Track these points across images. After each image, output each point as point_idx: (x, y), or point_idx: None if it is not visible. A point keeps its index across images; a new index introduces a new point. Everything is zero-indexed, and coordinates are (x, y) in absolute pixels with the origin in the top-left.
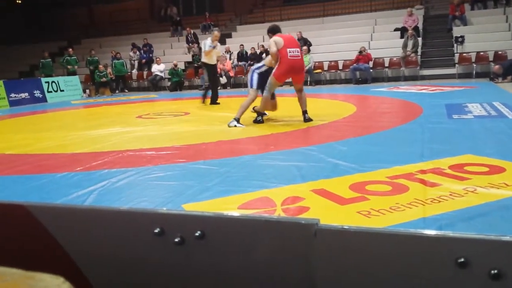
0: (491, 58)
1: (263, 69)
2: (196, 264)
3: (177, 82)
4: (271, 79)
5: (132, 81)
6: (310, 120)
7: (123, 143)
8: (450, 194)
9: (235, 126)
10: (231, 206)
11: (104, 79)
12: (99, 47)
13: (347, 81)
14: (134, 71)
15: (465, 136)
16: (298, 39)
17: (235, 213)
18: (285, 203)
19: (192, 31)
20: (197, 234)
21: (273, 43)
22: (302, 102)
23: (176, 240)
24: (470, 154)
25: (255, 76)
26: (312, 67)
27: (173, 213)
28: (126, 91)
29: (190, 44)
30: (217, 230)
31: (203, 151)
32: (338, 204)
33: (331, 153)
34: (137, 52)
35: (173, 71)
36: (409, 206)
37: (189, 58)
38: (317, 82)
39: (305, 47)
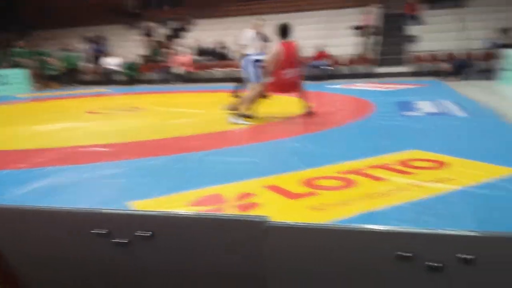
0: (442, 57)
1: (261, 63)
2: (146, 265)
3: (132, 76)
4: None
5: (84, 75)
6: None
7: (72, 139)
8: (397, 188)
9: (240, 123)
10: (182, 203)
11: (54, 72)
12: (52, 39)
13: (305, 77)
14: (87, 64)
15: (414, 132)
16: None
17: (186, 211)
18: (237, 199)
19: (149, 25)
20: (146, 234)
21: (273, 54)
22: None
23: (124, 241)
24: (417, 149)
25: (252, 69)
26: None
27: (120, 213)
28: (77, 84)
29: (146, 37)
30: (166, 230)
31: (155, 147)
32: (290, 199)
33: (283, 149)
34: (91, 45)
35: (128, 65)
36: (358, 200)
37: (145, 52)
38: None
39: (264, 43)
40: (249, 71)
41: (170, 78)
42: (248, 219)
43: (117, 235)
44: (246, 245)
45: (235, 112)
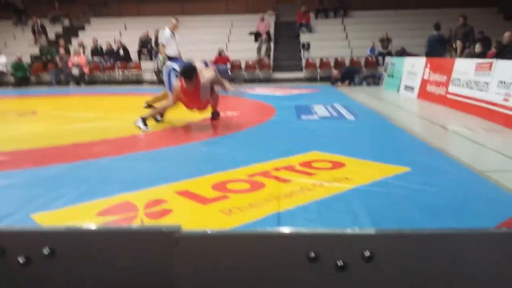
0: (332, 64)
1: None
2: (48, 284)
3: (22, 77)
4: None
5: None
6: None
7: None
8: (301, 189)
9: (140, 128)
10: (89, 214)
11: None
12: None
13: None
14: None
15: (312, 135)
16: (157, 37)
17: (92, 225)
18: (147, 206)
19: (39, 21)
20: (45, 252)
21: (174, 93)
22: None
23: (21, 260)
24: (316, 151)
25: (167, 78)
26: None
27: (14, 230)
28: None
29: (37, 35)
30: (69, 246)
31: (54, 154)
32: (201, 204)
33: (193, 153)
34: None
35: (17, 65)
36: (266, 202)
37: (36, 51)
38: None
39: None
40: (165, 79)
41: (66, 79)
42: (158, 229)
43: (13, 253)
44: (156, 256)
45: (143, 116)
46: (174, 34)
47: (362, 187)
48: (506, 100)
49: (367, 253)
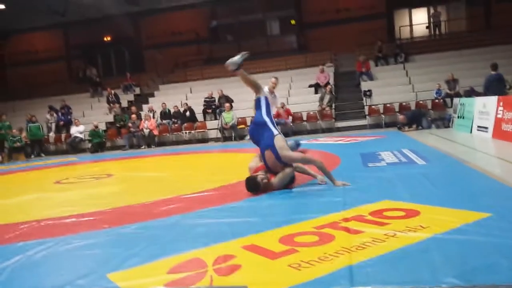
0: (396, 109)
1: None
2: None
3: (98, 143)
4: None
5: (49, 145)
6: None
7: (40, 212)
8: (373, 240)
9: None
10: (160, 272)
11: (18, 144)
12: (13, 111)
13: None
14: (52, 134)
15: (381, 183)
16: (220, 97)
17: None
18: (216, 262)
19: (113, 91)
20: None
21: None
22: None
23: None
24: (387, 199)
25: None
26: (236, 123)
27: None
28: (43, 155)
29: (111, 104)
30: None
31: (128, 214)
32: (269, 259)
33: (258, 207)
34: (54, 115)
35: (94, 132)
36: (336, 255)
37: (110, 118)
38: (241, 137)
39: (227, 104)
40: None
41: (138, 142)
42: None
43: None
44: None
45: None
46: (273, 93)
47: (439, 236)
48: None
49: None
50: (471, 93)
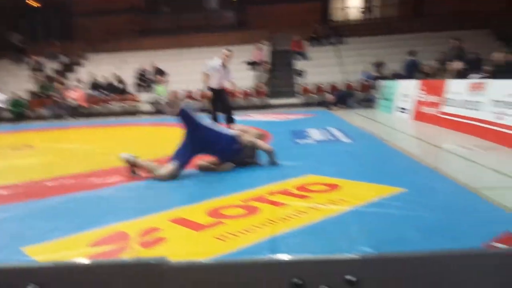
0: (327, 89)
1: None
2: None
3: (20, 113)
4: None
5: None
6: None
7: None
8: (296, 212)
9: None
10: (82, 245)
11: None
12: None
13: (203, 110)
14: None
15: (308, 158)
16: (153, 70)
17: (78, 259)
18: (141, 235)
19: (38, 59)
20: None
21: None
22: None
23: None
24: (312, 174)
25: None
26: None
27: (3, 266)
28: None
29: (35, 72)
30: (56, 281)
31: (49, 187)
32: (195, 231)
33: (186, 181)
34: None
35: (16, 101)
36: (261, 226)
37: (35, 87)
38: None
39: (160, 77)
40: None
41: (62, 113)
42: (145, 262)
43: None
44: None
45: None
46: (224, 66)
47: (358, 209)
48: (499, 118)
49: (351, 278)
50: (396, 76)
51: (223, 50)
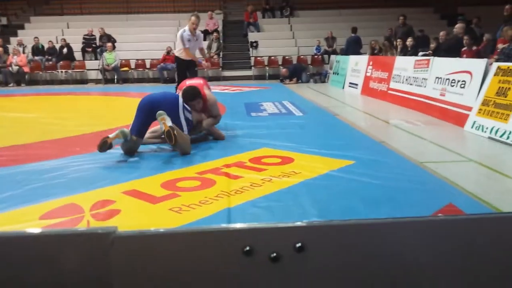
0: (280, 62)
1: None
2: None
3: None
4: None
5: None
6: None
7: None
8: (251, 185)
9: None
10: (31, 217)
11: None
12: None
13: (155, 80)
14: None
15: (262, 131)
16: (101, 36)
17: (25, 229)
18: (94, 208)
19: None
20: None
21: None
22: None
23: None
24: (266, 147)
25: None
26: (119, 65)
27: None
28: None
29: None
30: (1, 251)
31: None
32: (151, 204)
33: (140, 153)
34: None
35: None
36: (216, 198)
37: None
38: (125, 80)
39: (109, 44)
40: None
41: (5, 79)
42: (93, 231)
43: None
44: (92, 258)
45: None
46: (193, 34)
47: (309, 181)
48: (442, 95)
49: (298, 244)
50: (343, 52)
51: (191, 17)
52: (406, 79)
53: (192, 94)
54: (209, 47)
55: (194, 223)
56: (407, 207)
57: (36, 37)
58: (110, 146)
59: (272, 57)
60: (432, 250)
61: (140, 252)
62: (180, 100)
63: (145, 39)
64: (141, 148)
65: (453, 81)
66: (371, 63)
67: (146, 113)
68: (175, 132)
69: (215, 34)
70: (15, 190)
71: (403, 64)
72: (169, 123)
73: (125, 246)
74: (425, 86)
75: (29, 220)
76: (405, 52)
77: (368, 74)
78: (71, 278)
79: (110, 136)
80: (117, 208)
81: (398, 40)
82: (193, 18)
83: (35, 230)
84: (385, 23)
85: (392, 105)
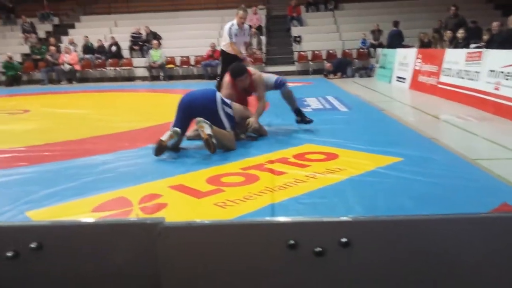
0: (324, 57)
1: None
2: (35, 277)
3: (13, 76)
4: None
5: None
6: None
7: None
8: (295, 181)
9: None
10: (83, 210)
11: None
12: None
13: (199, 76)
14: None
15: (305, 127)
16: (147, 34)
17: (77, 219)
18: (142, 201)
19: (28, 20)
20: (32, 245)
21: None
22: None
23: (9, 254)
24: (309, 143)
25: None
26: (164, 62)
27: (2, 225)
28: None
29: (26, 34)
30: (56, 239)
31: (48, 152)
32: (196, 198)
33: (192, 149)
34: None
35: (8, 64)
36: (260, 194)
37: (26, 49)
38: (170, 77)
39: (155, 41)
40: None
41: (57, 77)
42: (142, 222)
43: (3, 248)
44: (141, 248)
45: None
46: (241, 28)
47: (355, 178)
48: (496, 89)
49: (343, 239)
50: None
51: (239, 11)
52: (457, 73)
53: (240, 69)
54: (250, 44)
55: (238, 218)
56: (458, 205)
57: (86, 36)
58: (166, 148)
59: (316, 52)
60: (484, 248)
61: (186, 242)
62: (218, 96)
63: (190, 36)
64: (186, 143)
65: (509, 75)
66: (420, 56)
67: (186, 114)
68: (213, 140)
69: (253, 30)
70: (68, 183)
71: (454, 57)
72: (207, 130)
73: (172, 236)
74: (477, 80)
75: (82, 212)
76: (455, 44)
77: (417, 68)
78: (120, 265)
79: (164, 138)
80: (164, 202)
81: (448, 31)
82: (241, 12)
83: (89, 219)
84: (431, 14)
85: (442, 100)
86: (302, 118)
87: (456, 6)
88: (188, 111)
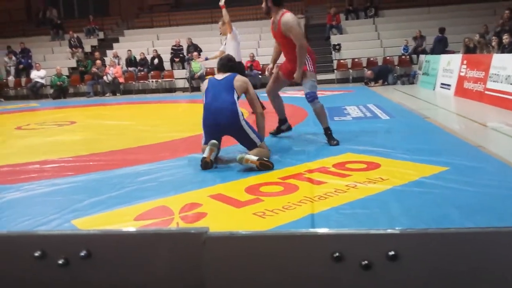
0: (364, 64)
1: None
2: (84, 285)
3: (61, 89)
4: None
5: (8, 89)
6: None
7: (1, 158)
8: (335, 191)
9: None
10: (126, 218)
11: None
12: None
13: None
14: (11, 78)
15: (345, 136)
16: (188, 46)
17: (124, 228)
18: (182, 210)
19: (75, 35)
20: (82, 254)
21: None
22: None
23: (60, 262)
24: (350, 152)
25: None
26: (204, 73)
27: (54, 234)
28: (2, 100)
29: (73, 48)
30: (104, 248)
31: (93, 162)
32: (235, 208)
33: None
34: (13, 57)
35: (57, 78)
36: (299, 204)
37: (73, 63)
38: None
39: (196, 53)
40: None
41: (102, 90)
42: (187, 231)
43: (53, 256)
44: (185, 257)
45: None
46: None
47: (398, 188)
48: None
49: (391, 253)
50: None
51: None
52: (506, 78)
53: None
54: None
55: (278, 228)
56: (508, 216)
57: (129, 50)
58: (212, 163)
59: (356, 60)
60: None
61: (231, 253)
62: (238, 108)
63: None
64: (228, 151)
65: None
66: (465, 62)
67: (213, 134)
68: (264, 159)
69: None
70: (112, 192)
71: (502, 62)
72: (252, 158)
73: (217, 246)
74: None
75: (125, 221)
76: (502, 49)
77: (462, 74)
78: (165, 274)
79: (206, 155)
80: (204, 211)
81: (505, 35)
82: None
83: (132, 229)
84: (476, 18)
85: (489, 107)
86: (328, 139)
87: (511, 9)
88: (216, 132)
